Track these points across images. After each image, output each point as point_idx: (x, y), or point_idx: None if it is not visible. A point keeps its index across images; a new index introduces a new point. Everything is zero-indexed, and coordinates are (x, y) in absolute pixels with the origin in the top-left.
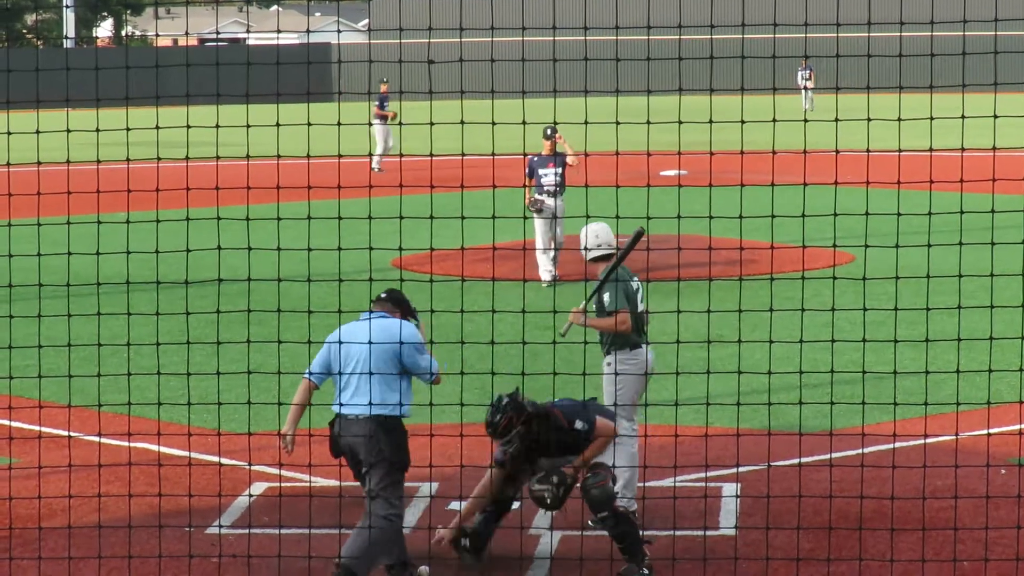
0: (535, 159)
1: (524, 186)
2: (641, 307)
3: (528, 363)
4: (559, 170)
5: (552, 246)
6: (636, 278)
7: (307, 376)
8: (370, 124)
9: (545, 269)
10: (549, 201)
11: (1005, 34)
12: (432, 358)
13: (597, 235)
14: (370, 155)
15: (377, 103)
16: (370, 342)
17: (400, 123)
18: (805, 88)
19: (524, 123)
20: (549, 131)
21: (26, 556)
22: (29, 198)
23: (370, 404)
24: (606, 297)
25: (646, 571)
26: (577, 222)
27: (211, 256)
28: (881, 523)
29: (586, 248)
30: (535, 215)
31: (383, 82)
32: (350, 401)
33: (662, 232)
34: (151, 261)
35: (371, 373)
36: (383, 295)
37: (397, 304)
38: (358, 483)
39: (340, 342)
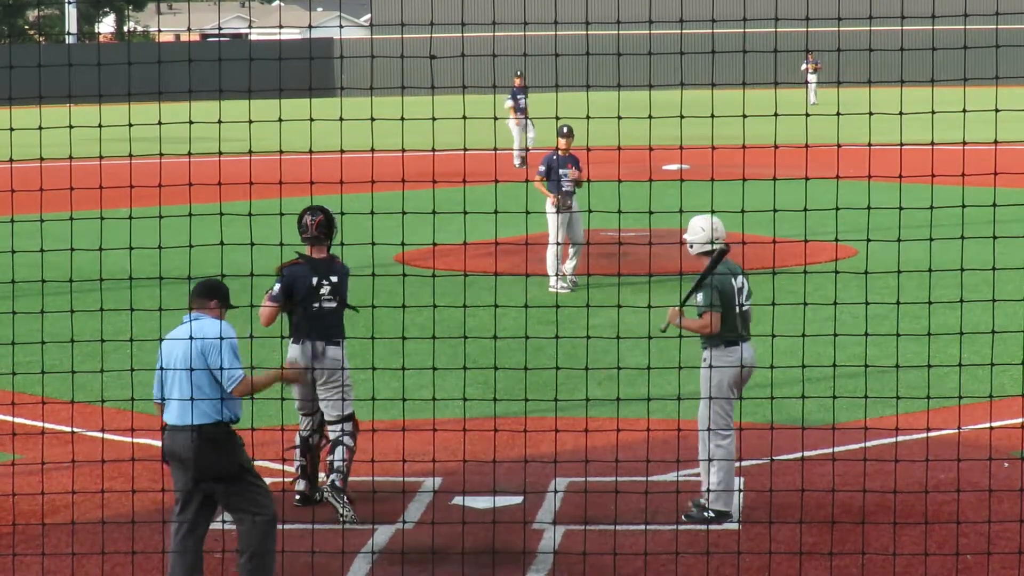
0: (554, 157)
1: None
2: (747, 305)
3: (530, 358)
4: (575, 169)
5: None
6: (740, 275)
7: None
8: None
9: (554, 273)
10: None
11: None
12: (233, 366)
13: (703, 228)
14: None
15: (510, 97)
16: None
17: (402, 118)
18: (808, 81)
19: (527, 118)
20: (565, 129)
21: (29, 552)
22: (32, 194)
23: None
24: (699, 297)
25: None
26: (582, 217)
27: (214, 251)
28: (884, 517)
29: (691, 243)
30: (553, 213)
31: (517, 75)
32: (173, 411)
33: (664, 226)
34: (154, 257)
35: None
36: (198, 293)
37: (210, 296)
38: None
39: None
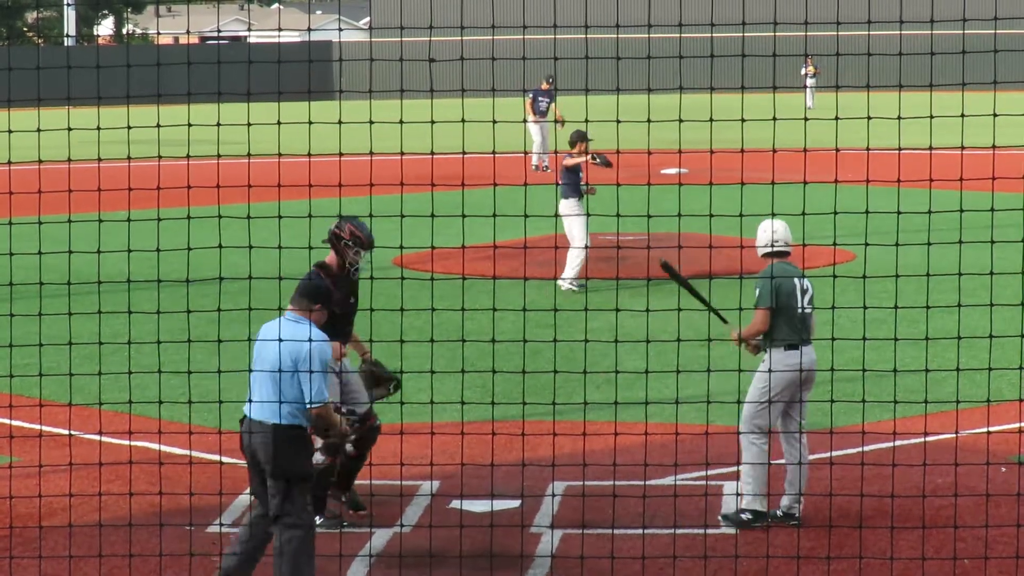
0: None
1: (557, 184)
2: (809, 308)
3: (529, 362)
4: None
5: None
6: (803, 278)
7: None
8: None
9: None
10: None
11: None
12: (322, 387)
13: (763, 231)
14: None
15: (531, 98)
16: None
17: (401, 121)
18: (806, 86)
19: (525, 121)
20: (579, 136)
21: (27, 555)
22: (30, 196)
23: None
24: (756, 292)
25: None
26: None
27: (212, 254)
28: (881, 521)
29: (758, 245)
30: (576, 216)
31: (547, 80)
32: (254, 406)
33: (663, 230)
34: (152, 259)
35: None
36: (301, 293)
37: (313, 300)
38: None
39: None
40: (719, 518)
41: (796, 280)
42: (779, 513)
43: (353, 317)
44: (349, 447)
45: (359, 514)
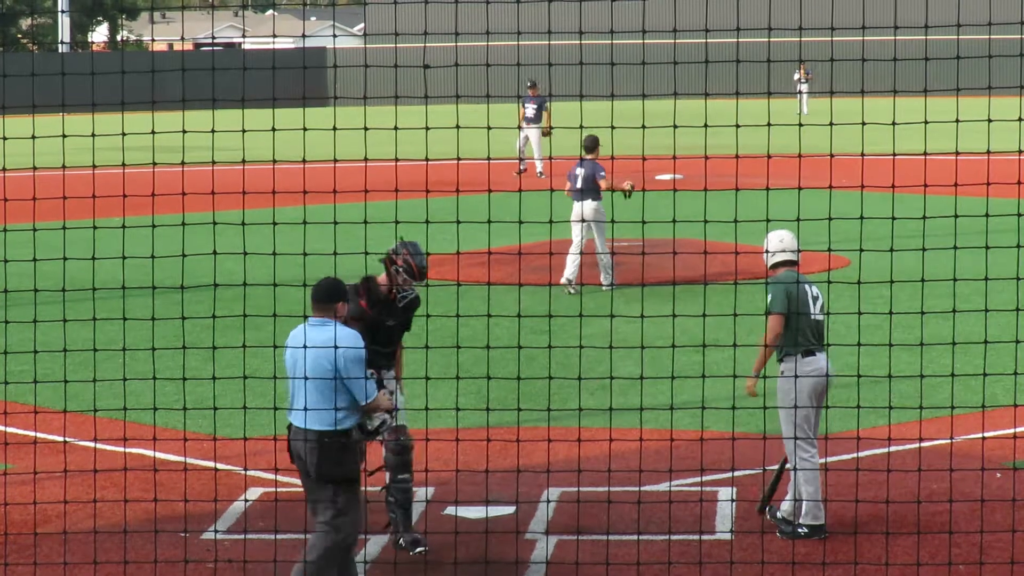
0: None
1: (570, 191)
2: (821, 315)
3: (524, 367)
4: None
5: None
6: (812, 285)
7: None
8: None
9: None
10: None
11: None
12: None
13: (780, 240)
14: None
15: (523, 104)
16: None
17: (395, 127)
18: (800, 92)
19: (520, 127)
20: (595, 141)
21: (21, 562)
22: (25, 203)
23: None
24: (768, 299)
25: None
26: (566, 227)
27: (207, 261)
28: (876, 527)
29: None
30: (604, 222)
31: (529, 85)
32: (299, 414)
33: (657, 236)
34: (147, 266)
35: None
36: (316, 296)
37: (335, 299)
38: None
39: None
40: (777, 533)
41: (807, 287)
42: (779, 515)
43: (397, 340)
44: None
45: (416, 553)
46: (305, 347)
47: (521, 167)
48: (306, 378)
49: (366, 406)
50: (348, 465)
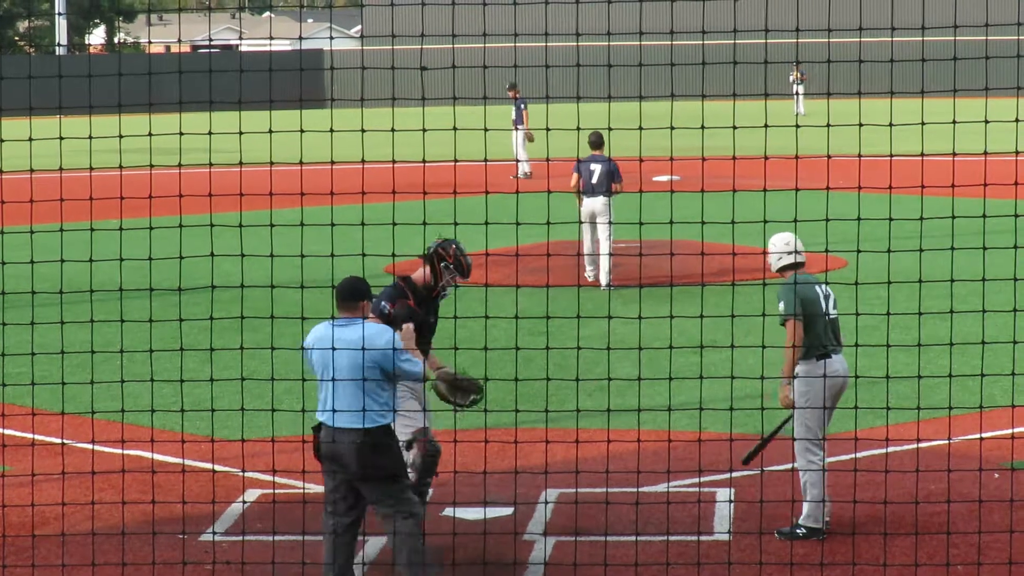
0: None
1: (578, 192)
2: (834, 314)
3: (521, 369)
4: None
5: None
6: (823, 284)
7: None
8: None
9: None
10: None
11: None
12: (410, 357)
13: (787, 243)
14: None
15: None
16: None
17: (393, 129)
18: (796, 93)
19: (515, 128)
20: (600, 137)
21: (19, 564)
22: (22, 205)
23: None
24: (781, 306)
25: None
26: (571, 228)
27: (204, 263)
28: (874, 527)
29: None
30: (609, 219)
31: (509, 88)
32: (339, 414)
33: (655, 237)
34: (144, 268)
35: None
36: (341, 295)
37: (359, 297)
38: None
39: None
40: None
41: (817, 287)
42: (803, 531)
43: (431, 337)
44: (412, 475)
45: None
46: (334, 348)
47: (526, 172)
48: (362, 379)
49: (427, 376)
50: (398, 456)
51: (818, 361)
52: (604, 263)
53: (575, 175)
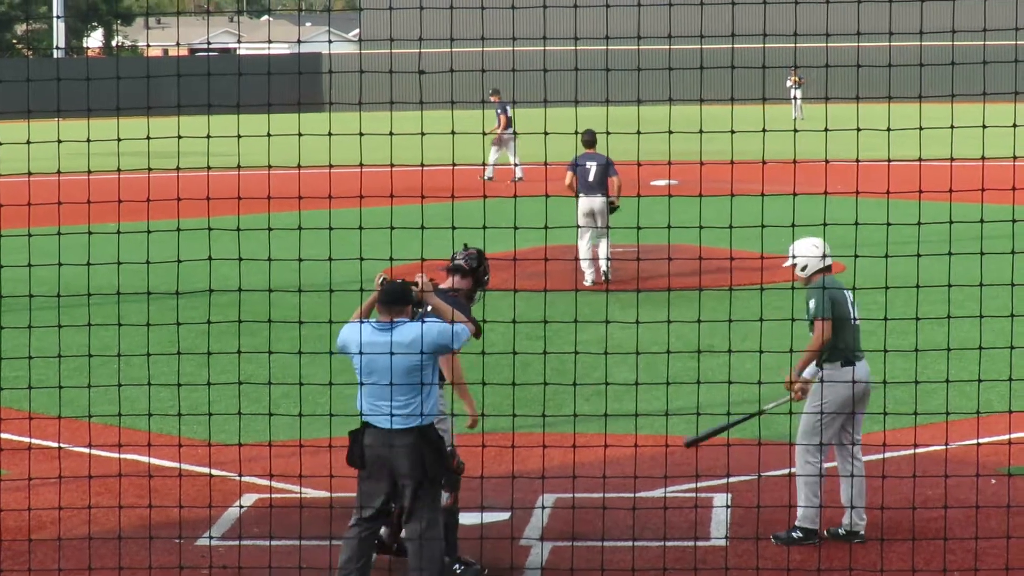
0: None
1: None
2: (858, 319)
3: (519, 373)
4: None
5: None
6: (849, 290)
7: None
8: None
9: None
10: None
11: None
12: (452, 329)
13: (816, 246)
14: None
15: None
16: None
17: (391, 133)
18: (795, 97)
19: (515, 133)
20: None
21: (16, 568)
22: (19, 208)
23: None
24: (811, 305)
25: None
26: (569, 233)
27: (202, 267)
28: (871, 533)
29: (803, 264)
30: (606, 217)
31: (492, 93)
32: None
33: (653, 242)
34: (142, 272)
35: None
36: (387, 300)
37: (405, 302)
38: (369, 496)
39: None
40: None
41: (846, 292)
42: (841, 532)
43: None
44: (445, 496)
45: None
46: (391, 352)
47: (517, 175)
48: (419, 381)
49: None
50: (445, 457)
51: (843, 367)
52: (603, 265)
53: (569, 174)
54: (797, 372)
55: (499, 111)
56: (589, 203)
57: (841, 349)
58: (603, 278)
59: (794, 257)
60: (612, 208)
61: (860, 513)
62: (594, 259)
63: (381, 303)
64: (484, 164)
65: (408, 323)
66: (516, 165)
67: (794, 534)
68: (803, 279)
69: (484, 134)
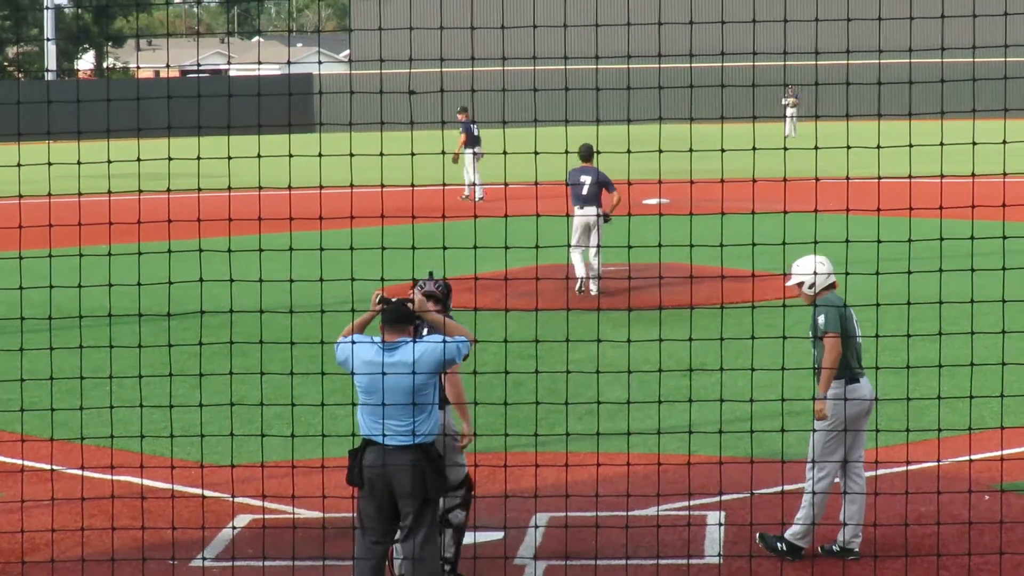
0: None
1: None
2: (859, 338)
3: (511, 393)
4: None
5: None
6: (850, 307)
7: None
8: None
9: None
10: None
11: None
12: (455, 343)
13: (822, 263)
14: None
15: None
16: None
17: (381, 153)
18: (788, 116)
19: (504, 153)
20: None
21: None
22: (11, 231)
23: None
24: (821, 319)
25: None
26: (560, 252)
27: (193, 288)
28: (864, 550)
29: (811, 283)
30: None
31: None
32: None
33: (644, 260)
34: (133, 293)
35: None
36: (392, 320)
37: (408, 321)
38: (368, 517)
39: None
40: (757, 536)
41: (850, 309)
42: (835, 548)
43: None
44: (462, 515)
45: None
46: (413, 373)
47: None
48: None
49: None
50: (444, 476)
51: (848, 385)
52: (593, 286)
53: (565, 187)
54: (822, 392)
55: (463, 129)
56: (583, 217)
57: (845, 366)
58: (592, 290)
59: (800, 275)
60: (605, 219)
61: (857, 531)
62: (587, 270)
63: (386, 323)
64: (473, 184)
65: (411, 342)
66: (477, 185)
67: (779, 544)
68: (810, 297)
69: (444, 152)
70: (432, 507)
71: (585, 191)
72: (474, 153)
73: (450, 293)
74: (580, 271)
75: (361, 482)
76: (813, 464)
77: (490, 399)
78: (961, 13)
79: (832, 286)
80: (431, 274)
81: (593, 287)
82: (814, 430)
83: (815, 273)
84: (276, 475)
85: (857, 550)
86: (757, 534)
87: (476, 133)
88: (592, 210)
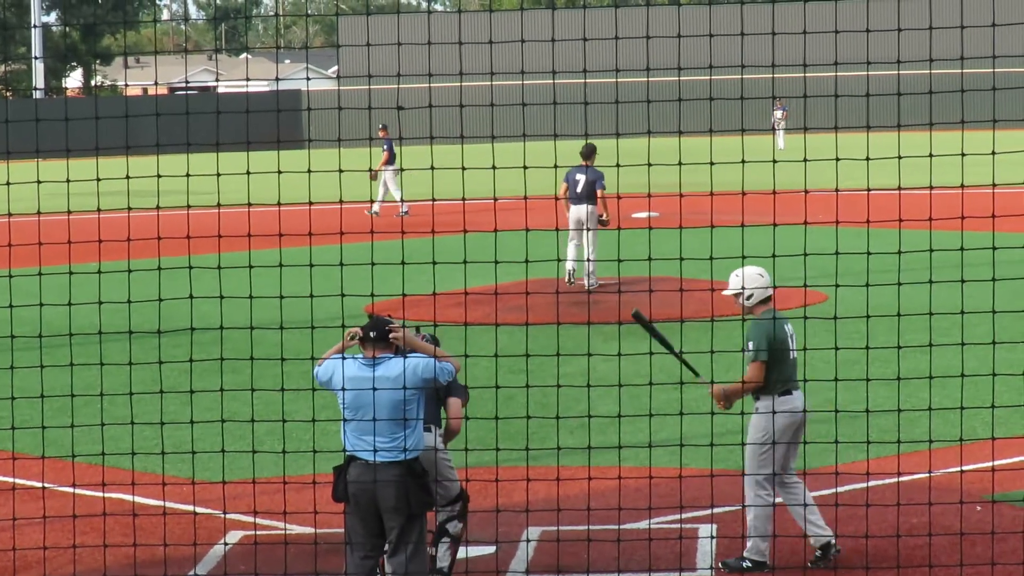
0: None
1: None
2: (795, 351)
3: (502, 407)
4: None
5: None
6: (787, 321)
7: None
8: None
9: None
10: None
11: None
12: (444, 363)
13: (761, 275)
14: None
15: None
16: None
17: (370, 169)
18: (776, 128)
19: (494, 167)
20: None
21: None
22: (0, 249)
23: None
24: (751, 344)
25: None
26: (550, 266)
27: (184, 305)
28: (856, 562)
29: (749, 293)
30: (595, 228)
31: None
32: (379, 450)
33: (634, 274)
34: (123, 311)
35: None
36: (372, 335)
37: (387, 337)
38: (353, 533)
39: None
40: (720, 564)
41: (784, 325)
42: (818, 553)
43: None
44: (459, 526)
45: None
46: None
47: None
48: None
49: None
50: (430, 491)
51: (781, 397)
52: (588, 266)
53: (563, 184)
54: (724, 392)
55: (385, 147)
56: (577, 212)
57: (780, 381)
58: (584, 284)
59: (736, 288)
60: (601, 222)
61: (819, 524)
62: (580, 261)
63: (365, 339)
64: (402, 201)
65: (393, 358)
66: (402, 201)
67: (744, 564)
68: (746, 308)
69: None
70: (418, 522)
71: (580, 188)
72: (395, 170)
73: (438, 344)
74: (571, 263)
75: (346, 497)
76: (754, 479)
77: (481, 413)
78: (949, 24)
79: (768, 300)
80: (418, 329)
81: (585, 281)
82: (744, 443)
83: (744, 287)
84: (268, 491)
85: (833, 541)
86: (721, 562)
87: (394, 151)
88: (584, 205)
